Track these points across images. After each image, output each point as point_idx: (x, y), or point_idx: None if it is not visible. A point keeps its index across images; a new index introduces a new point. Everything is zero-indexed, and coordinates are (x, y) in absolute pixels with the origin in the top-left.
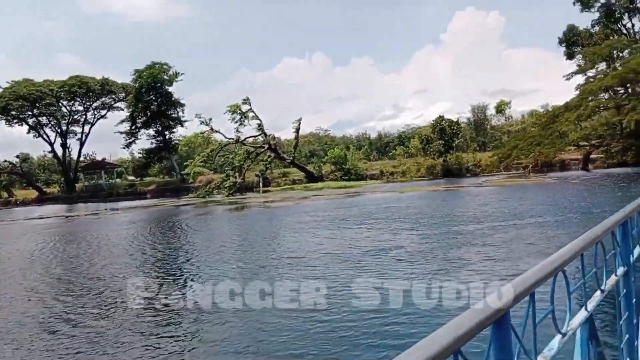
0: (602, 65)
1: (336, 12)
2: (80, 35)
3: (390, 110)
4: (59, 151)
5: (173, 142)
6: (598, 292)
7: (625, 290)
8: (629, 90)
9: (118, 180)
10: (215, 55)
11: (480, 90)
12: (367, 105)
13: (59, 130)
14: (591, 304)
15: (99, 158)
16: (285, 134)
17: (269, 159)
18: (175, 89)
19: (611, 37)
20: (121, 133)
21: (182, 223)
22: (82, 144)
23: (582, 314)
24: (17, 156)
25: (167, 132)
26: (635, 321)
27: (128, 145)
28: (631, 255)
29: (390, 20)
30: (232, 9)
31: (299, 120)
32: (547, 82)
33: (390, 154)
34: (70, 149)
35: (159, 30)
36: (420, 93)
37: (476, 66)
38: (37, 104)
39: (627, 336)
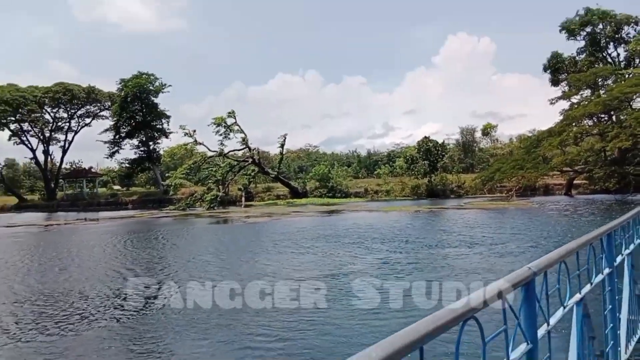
0: (587, 92)
1: (331, 31)
2: (73, 43)
3: (381, 129)
4: (41, 158)
5: (157, 153)
6: (589, 285)
7: (609, 288)
8: (613, 117)
9: (103, 189)
10: (209, 68)
11: (470, 112)
12: (357, 123)
13: (41, 137)
14: (584, 290)
15: (85, 166)
16: (275, 149)
17: (252, 173)
18: (163, 100)
19: (596, 65)
20: (104, 142)
21: (149, 237)
22: (64, 152)
23: (577, 297)
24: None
25: (151, 143)
26: (617, 314)
27: (111, 155)
28: (614, 261)
29: (385, 41)
30: (228, 23)
31: (284, 135)
32: (534, 107)
33: (375, 172)
34: (52, 157)
35: (154, 41)
36: (410, 113)
37: (466, 89)
38: (19, 110)
39: (611, 325)
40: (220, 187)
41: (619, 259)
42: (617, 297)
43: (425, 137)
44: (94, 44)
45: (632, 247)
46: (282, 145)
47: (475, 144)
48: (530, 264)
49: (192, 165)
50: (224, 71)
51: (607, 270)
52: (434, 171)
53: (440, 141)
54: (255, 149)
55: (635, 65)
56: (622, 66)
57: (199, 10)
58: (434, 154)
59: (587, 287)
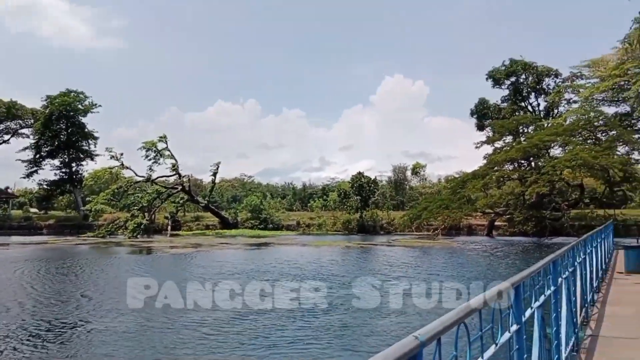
0: (509, 139)
1: (273, 61)
2: (1, 56)
3: (317, 162)
4: None
5: (80, 176)
6: (493, 347)
7: (517, 347)
8: (532, 164)
9: (18, 212)
10: (146, 91)
11: (402, 152)
12: (294, 155)
13: None
14: (487, 354)
15: (1, 187)
16: (209, 177)
17: (181, 201)
18: (92, 120)
19: (517, 113)
20: (23, 161)
21: (49, 267)
22: None
23: None
24: None
25: (74, 165)
26: None
27: (29, 175)
28: (523, 315)
29: (325, 77)
30: (169, 47)
31: (217, 163)
32: (462, 149)
33: (309, 205)
34: None
35: (88, 59)
36: (346, 149)
37: (400, 129)
38: None
39: None
40: (145, 214)
41: (527, 312)
42: (525, 356)
43: (359, 173)
44: (24, 58)
45: (542, 299)
46: (215, 174)
47: (406, 182)
48: (418, 332)
49: (116, 190)
50: (161, 95)
51: (514, 328)
52: (366, 207)
53: (373, 177)
54: (186, 176)
55: (554, 115)
56: (542, 115)
57: (140, 32)
58: (366, 190)
59: (492, 350)
